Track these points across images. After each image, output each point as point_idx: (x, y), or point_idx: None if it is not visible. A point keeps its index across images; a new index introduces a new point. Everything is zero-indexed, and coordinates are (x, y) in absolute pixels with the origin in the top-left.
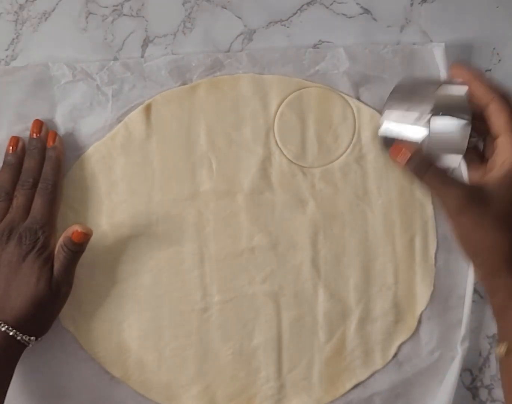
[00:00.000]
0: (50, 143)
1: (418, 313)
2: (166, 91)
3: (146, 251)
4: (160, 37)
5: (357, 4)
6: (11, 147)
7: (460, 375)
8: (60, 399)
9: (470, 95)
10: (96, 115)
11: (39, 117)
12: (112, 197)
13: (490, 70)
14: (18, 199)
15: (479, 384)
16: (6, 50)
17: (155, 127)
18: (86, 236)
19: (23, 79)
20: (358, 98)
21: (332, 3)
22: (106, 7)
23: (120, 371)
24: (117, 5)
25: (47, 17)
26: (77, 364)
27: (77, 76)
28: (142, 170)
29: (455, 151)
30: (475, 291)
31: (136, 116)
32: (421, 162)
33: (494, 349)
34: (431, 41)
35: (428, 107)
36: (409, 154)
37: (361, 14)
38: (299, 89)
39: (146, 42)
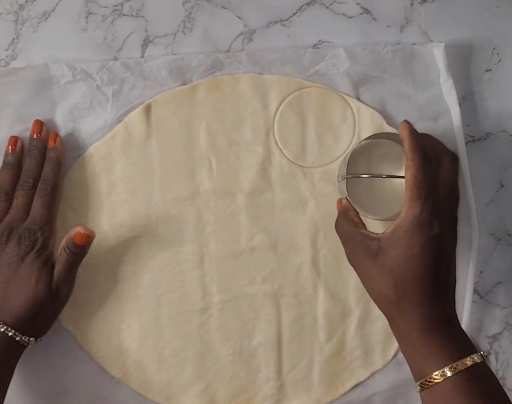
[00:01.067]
0: (51, 143)
1: None
2: (166, 91)
3: (146, 251)
4: (160, 37)
5: (357, 4)
6: (10, 147)
7: None
8: (60, 399)
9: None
10: (96, 115)
11: (39, 117)
12: (112, 198)
13: (490, 70)
14: (18, 200)
15: None
16: (6, 50)
17: (155, 127)
18: (89, 238)
19: (23, 80)
20: (358, 98)
21: (332, 3)
22: (106, 7)
23: (120, 371)
24: (117, 5)
25: (47, 17)
26: (77, 364)
27: (77, 76)
28: (142, 170)
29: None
30: (475, 291)
31: (136, 116)
32: (344, 211)
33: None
34: (431, 41)
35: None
36: (341, 205)
37: (361, 14)
38: (299, 89)
39: (146, 42)
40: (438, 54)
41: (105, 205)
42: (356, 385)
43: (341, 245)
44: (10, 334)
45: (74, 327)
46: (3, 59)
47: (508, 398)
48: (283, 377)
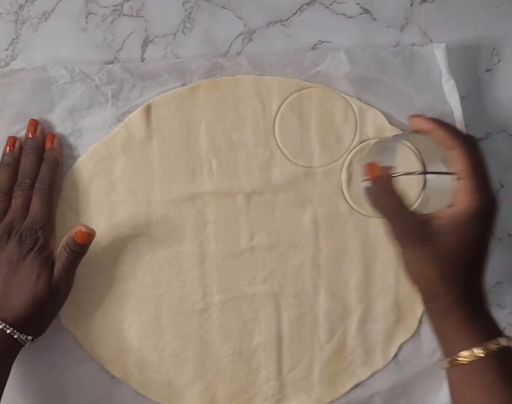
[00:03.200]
0: (48, 145)
1: (419, 313)
2: (166, 92)
3: (146, 251)
4: (160, 37)
5: (357, 4)
6: (8, 148)
7: None
8: (60, 398)
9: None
10: (95, 115)
11: (38, 118)
12: (112, 198)
13: (490, 70)
14: (17, 200)
15: None
16: (6, 50)
17: (155, 128)
18: (89, 236)
19: (21, 81)
20: (359, 99)
21: (332, 3)
22: (106, 7)
23: (120, 371)
24: (117, 5)
25: (47, 17)
26: (77, 364)
27: (75, 77)
28: (142, 171)
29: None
30: None
31: (136, 117)
32: (385, 183)
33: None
34: (431, 41)
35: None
36: (379, 173)
37: (361, 14)
38: (300, 90)
39: (146, 42)
40: (439, 55)
41: (105, 205)
42: (357, 385)
43: (341, 245)
44: (8, 331)
45: (74, 327)
46: (3, 59)
47: None
48: (283, 377)
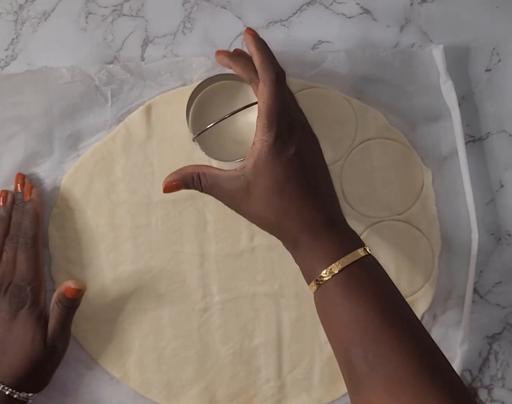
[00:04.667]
0: (26, 196)
1: (420, 313)
2: (167, 92)
3: (146, 251)
4: (160, 37)
5: (357, 4)
6: (1, 201)
7: (460, 376)
8: (60, 399)
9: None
10: (95, 115)
11: (35, 117)
12: (112, 198)
13: (490, 70)
14: (8, 254)
15: (478, 384)
16: (6, 50)
17: (155, 128)
18: (80, 292)
19: (20, 82)
20: (359, 100)
21: (331, 3)
22: (106, 7)
23: (120, 372)
24: (117, 5)
25: (46, 17)
26: (77, 364)
27: (75, 77)
28: (142, 170)
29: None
30: (475, 291)
31: (136, 117)
32: (197, 176)
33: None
34: (431, 41)
35: None
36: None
37: (361, 14)
38: (300, 90)
39: (145, 42)
40: (437, 56)
41: (105, 205)
42: None
43: None
44: (7, 392)
45: (74, 328)
46: (2, 59)
47: (394, 288)
48: (284, 377)
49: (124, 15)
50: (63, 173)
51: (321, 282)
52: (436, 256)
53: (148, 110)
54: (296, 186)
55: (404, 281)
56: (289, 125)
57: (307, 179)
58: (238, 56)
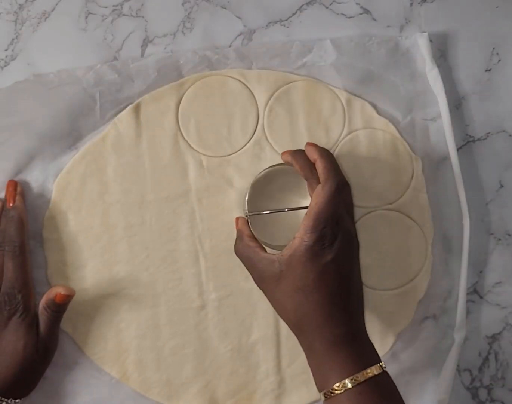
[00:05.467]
0: (10, 203)
1: (415, 303)
2: (155, 90)
3: (142, 251)
4: (160, 37)
5: (357, 4)
6: None
7: (460, 375)
8: (60, 400)
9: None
10: (84, 117)
11: (25, 124)
12: (105, 198)
13: (490, 70)
14: None
15: (478, 384)
16: (6, 50)
17: (145, 126)
18: (69, 297)
19: (9, 94)
20: (346, 90)
21: (331, 3)
22: (106, 7)
23: (119, 372)
24: (116, 5)
25: (46, 17)
26: (75, 366)
27: (63, 81)
28: (134, 170)
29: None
30: (475, 291)
31: (125, 116)
32: (237, 238)
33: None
34: (431, 41)
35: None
36: (238, 227)
37: (361, 14)
38: (287, 84)
39: (145, 42)
40: (422, 44)
41: (98, 205)
42: None
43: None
44: None
45: (72, 329)
46: (2, 59)
47: None
48: (283, 372)
49: (124, 15)
50: (55, 177)
51: (332, 394)
52: (429, 243)
53: (137, 108)
54: (324, 296)
55: (398, 269)
56: (334, 234)
57: (339, 290)
58: (300, 154)
